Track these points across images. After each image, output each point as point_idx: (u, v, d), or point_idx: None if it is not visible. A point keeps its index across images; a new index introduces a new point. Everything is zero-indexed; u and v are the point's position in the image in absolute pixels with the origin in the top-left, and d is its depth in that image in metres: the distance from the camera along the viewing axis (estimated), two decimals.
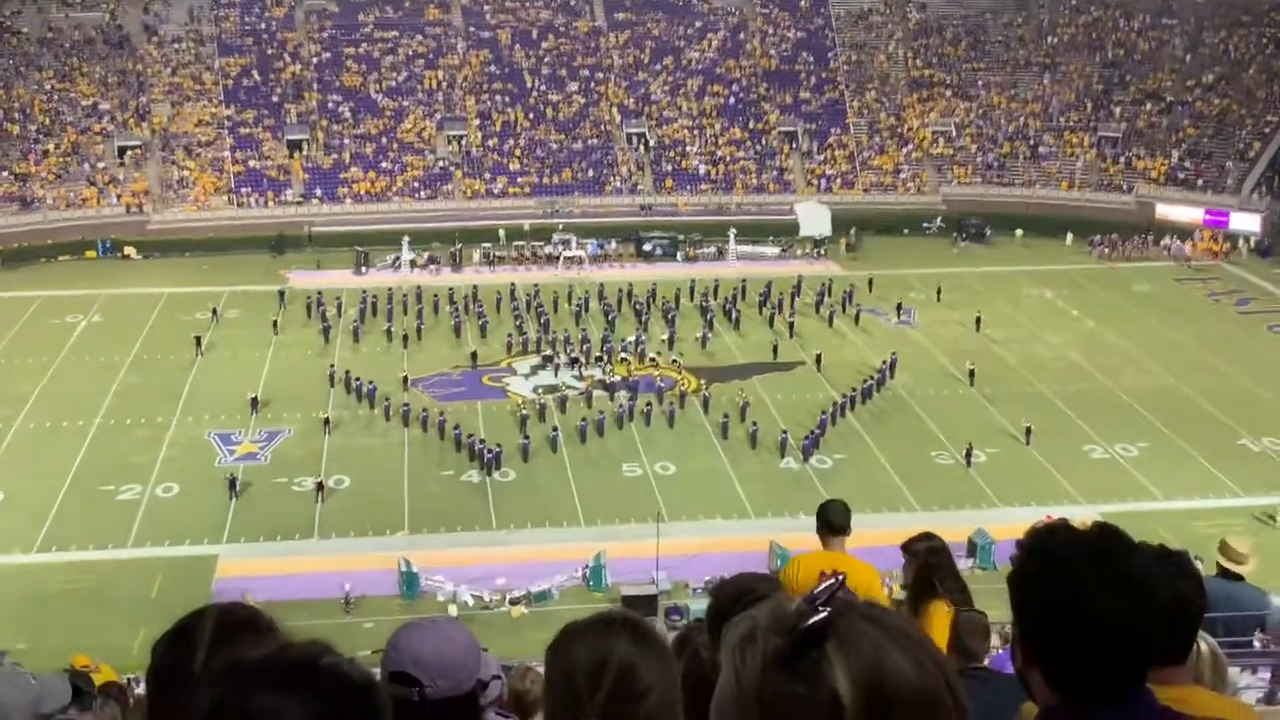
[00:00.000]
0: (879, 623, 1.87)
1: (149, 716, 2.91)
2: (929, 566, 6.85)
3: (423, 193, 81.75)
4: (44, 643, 33.84)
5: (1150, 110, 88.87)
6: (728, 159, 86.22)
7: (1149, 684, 2.74)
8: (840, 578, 1.94)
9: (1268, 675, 8.00)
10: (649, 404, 53.24)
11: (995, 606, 5.75)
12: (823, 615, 1.86)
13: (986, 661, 6.64)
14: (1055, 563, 2.64)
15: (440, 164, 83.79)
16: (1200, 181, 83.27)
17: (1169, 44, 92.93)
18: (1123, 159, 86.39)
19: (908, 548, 7.12)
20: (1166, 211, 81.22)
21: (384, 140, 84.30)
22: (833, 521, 8.20)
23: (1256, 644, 8.56)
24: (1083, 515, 43.45)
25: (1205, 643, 4.31)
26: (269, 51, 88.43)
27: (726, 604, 3.33)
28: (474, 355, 58.68)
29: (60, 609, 37.70)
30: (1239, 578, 8.18)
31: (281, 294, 66.62)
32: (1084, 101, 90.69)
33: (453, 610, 37.79)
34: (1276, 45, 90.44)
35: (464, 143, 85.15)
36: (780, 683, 1.83)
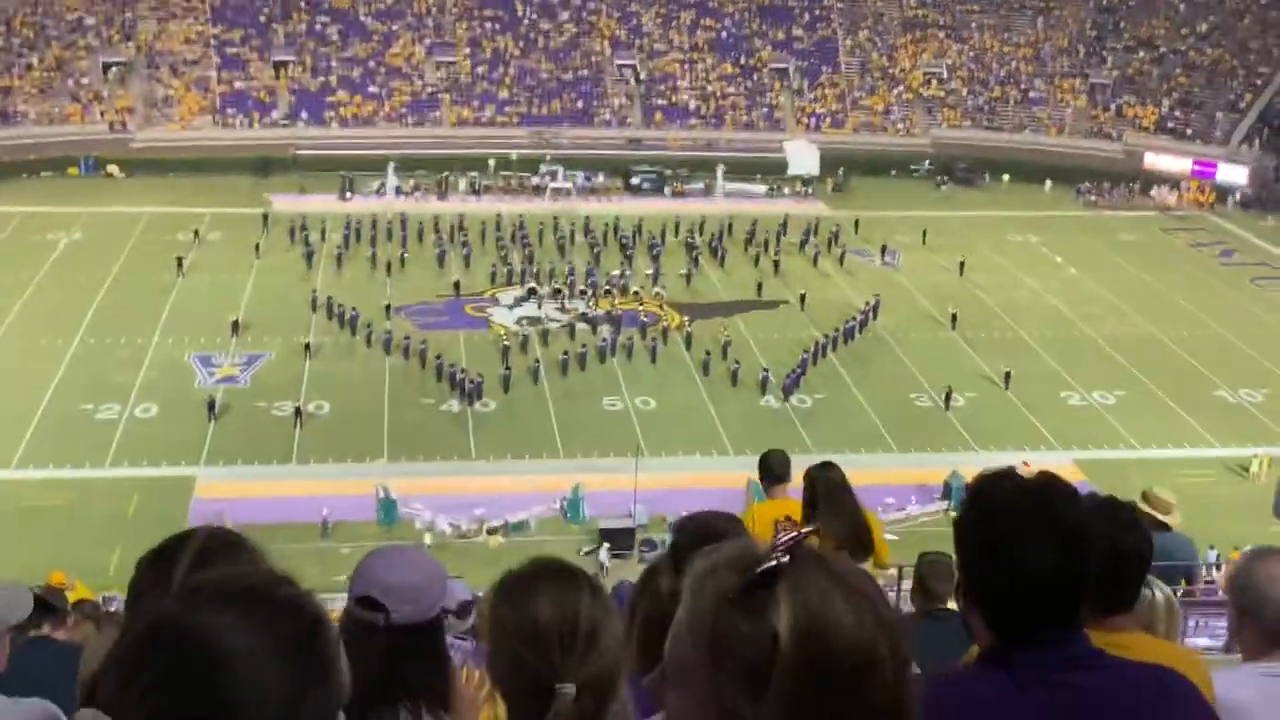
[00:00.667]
0: (833, 575, 1.93)
1: (124, 630, 2.94)
2: (814, 493, 6.80)
3: (410, 119, 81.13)
4: (20, 558, 33.94)
5: (1143, 58, 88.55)
6: (718, 94, 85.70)
7: (1096, 629, 2.80)
8: (807, 531, 2.00)
9: (1223, 624, 8.12)
10: (631, 339, 53.28)
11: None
12: (780, 560, 1.92)
13: (950, 603, 6.73)
14: (995, 509, 2.75)
15: (429, 90, 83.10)
16: (1189, 131, 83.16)
17: None
18: (1113, 106, 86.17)
19: (808, 472, 7.14)
20: (1154, 161, 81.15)
21: (372, 64, 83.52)
22: (773, 470, 8.37)
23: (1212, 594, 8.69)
24: (1059, 461, 43.97)
25: (1159, 591, 4.38)
26: None
27: (688, 543, 3.37)
28: (457, 284, 58.57)
29: (37, 526, 37.76)
30: (1166, 527, 8.25)
31: (265, 217, 66.23)
32: (1076, 47, 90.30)
33: (428, 539, 37.98)
34: None
35: (453, 69, 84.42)
36: (730, 616, 1.89)
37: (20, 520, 38.24)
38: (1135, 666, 2.86)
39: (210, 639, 1.87)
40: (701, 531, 3.42)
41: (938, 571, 6.55)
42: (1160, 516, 8.27)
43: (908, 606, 7.70)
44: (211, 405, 45.58)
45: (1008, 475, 2.82)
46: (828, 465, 7.05)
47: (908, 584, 8.94)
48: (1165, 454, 45.42)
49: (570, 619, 2.75)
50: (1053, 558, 2.66)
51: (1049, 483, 2.82)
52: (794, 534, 1.97)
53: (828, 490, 6.79)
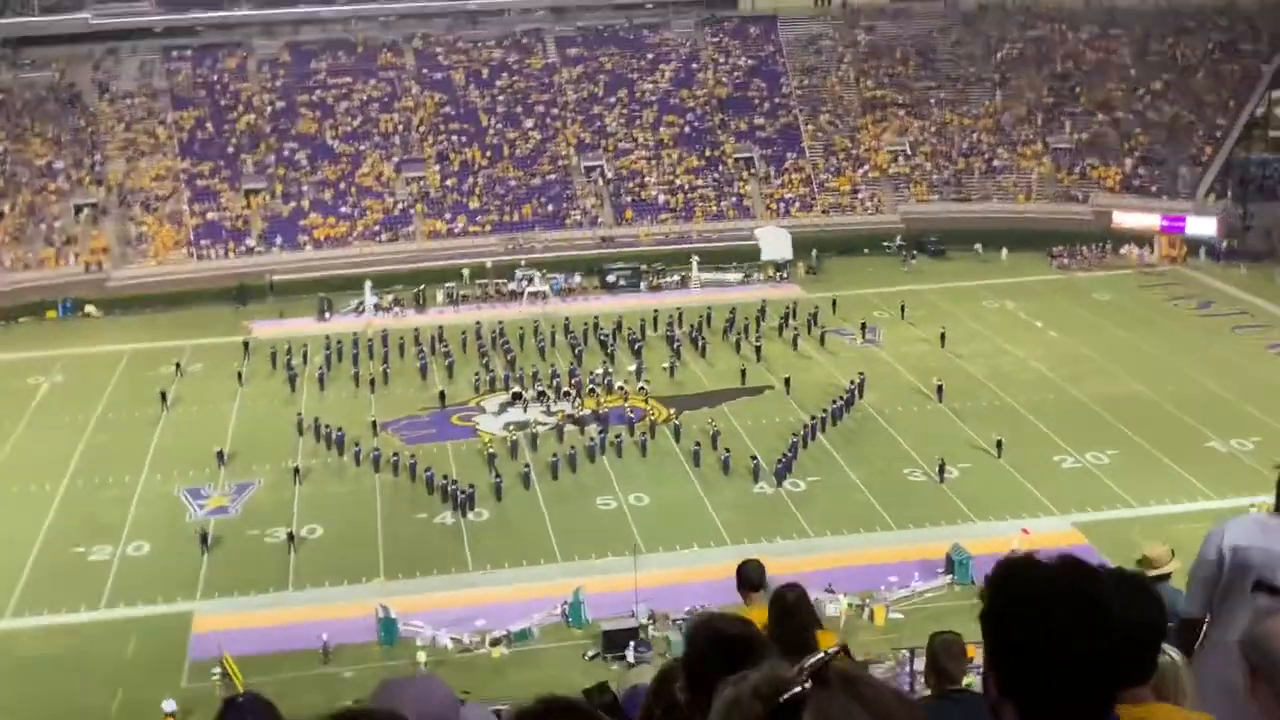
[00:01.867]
0: (860, 697, 1.94)
1: None
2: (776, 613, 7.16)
3: (384, 235, 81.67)
4: (22, 710, 33.49)
5: (1101, 120, 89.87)
6: (686, 187, 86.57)
7: (1119, 705, 2.79)
8: (836, 650, 2.02)
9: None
10: (619, 435, 53.23)
11: (973, 623, 5.80)
12: (803, 687, 1.93)
13: (966, 682, 6.69)
14: (1025, 599, 2.71)
15: (400, 206, 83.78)
16: (1155, 188, 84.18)
17: (1116, 53, 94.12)
18: (1077, 169, 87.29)
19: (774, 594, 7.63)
20: (1122, 219, 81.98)
21: (342, 185, 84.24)
22: (750, 579, 8.95)
23: None
24: (1058, 526, 43.85)
25: (1169, 655, 4.37)
26: (223, 103, 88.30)
27: (701, 649, 3.35)
28: (442, 395, 58.59)
29: (36, 674, 37.25)
30: (1166, 578, 8.21)
31: (245, 345, 66.32)
32: (1035, 114, 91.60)
33: (421, 657, 37.46)
34: (1222, 49, 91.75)
35: (423, 184, 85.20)
36: None
37: (20, 671, 37.72)
38: None
39: None
40: (713, 638, 3.40)
41: (951, 651, 6.52)
42: (1159, 571, 8.25)
43: (921, 687, 7.67)
44: (204, 538, 45.25)
45: (1030, 563, 2.79)
46: (790, 586, 7.45)
47: (920, 663, 8.92)
48: (1163, 510, 45.32)
49: None
50: (1091, 643, 2.65)
51: (1073, 566, 2.80)
52: (819, 657, 1.97)
53: (785, 610, 7.12)
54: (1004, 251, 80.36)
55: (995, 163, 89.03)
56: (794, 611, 7.08)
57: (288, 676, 35.26)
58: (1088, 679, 2.67)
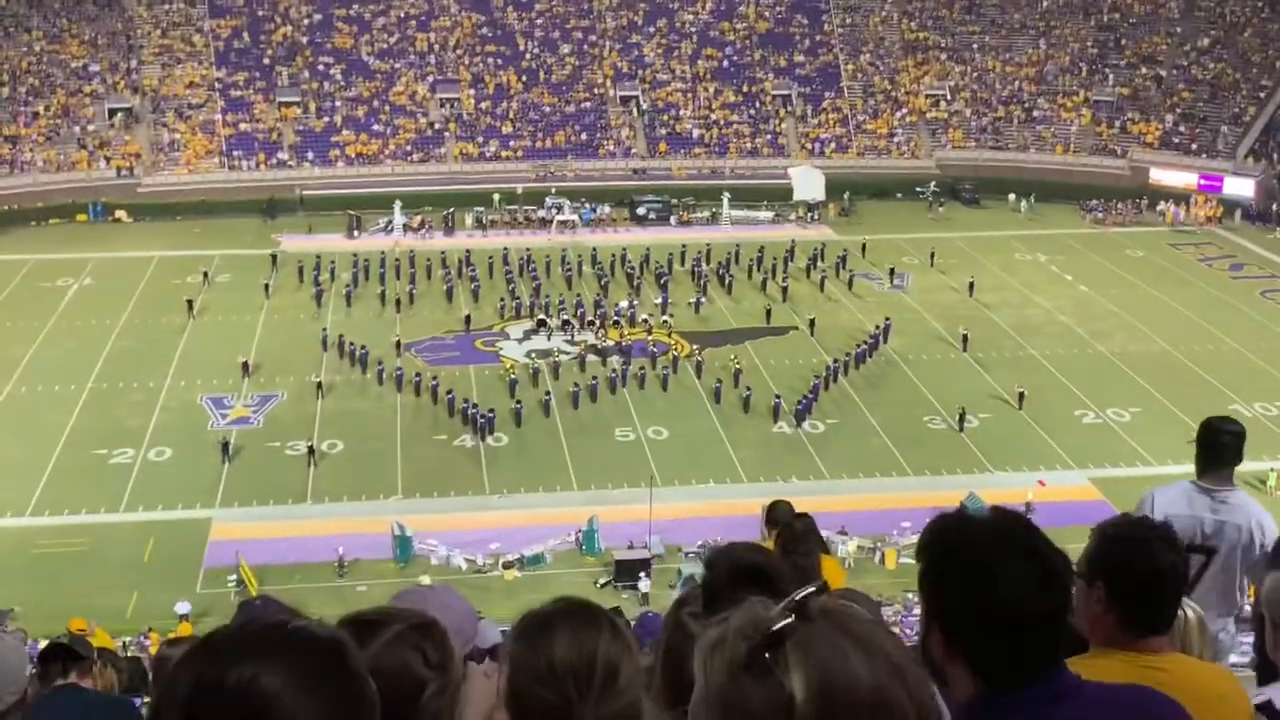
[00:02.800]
0: (845, 629, 1.94)
1: (158, 698, 2.96)
2: (790, 539, 7.21)
3: (415, 156, 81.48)
4: (39, 605, 33.98)
5: (1145, 74, 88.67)
6: (721, 122, 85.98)
7: (1134, 651, 2.80)
8: (821, 584, 2.02)
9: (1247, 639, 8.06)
10: (642, 369, 53.31)
11: None
12: (786, 620, 1.93)
13: None
14: (966, 553, 2.67)
15: (433, 127, 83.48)
16: (1194, 146, 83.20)
17: (1164, 7, 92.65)
18: (1117, 123, 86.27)
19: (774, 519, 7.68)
20: (1160, 176, 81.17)
21: (376, 103, 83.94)
22: (777, 519, 8.67)
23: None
24: (1075, 480, 43.88)
25: (1191, 610, 4.38)
26: (260, 13, 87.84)
27: (720, 578, 3.36)
28: (467, 319, 58.69)
29: (54, 572, 37.80)
30: None
31: (273, 258, 66.52)
32: (1079, 65, 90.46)
33: (425, 579, 37.90)
34: (1272, 8, 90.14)
35: (457, 105, 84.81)
36: (743, 685, 1.91)
37: (38, 566, 38.29)
38: (1116, 690, 2.85)
39: (247, 693, 1.95)
40: (733, 566, 3.42)
41: None
42: None
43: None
44: (225, 447, 45.64)
45: (965, 518, 2.76)
46: (800, 516, 7.51)
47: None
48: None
49: (588, 658, 2.72)
50: (1036, 594, 2.61)
51: (1010, 518, 2.76)
52: (802, 591, 1.99)
53: (794, 537, 7.13)
54: (1023, 202, 79.49)
55: (1035, 112, 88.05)
56: (802, 539, 7.15)
57: (303, 587, 35.66)
58: (1038, 632, 2.64)
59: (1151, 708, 2.78)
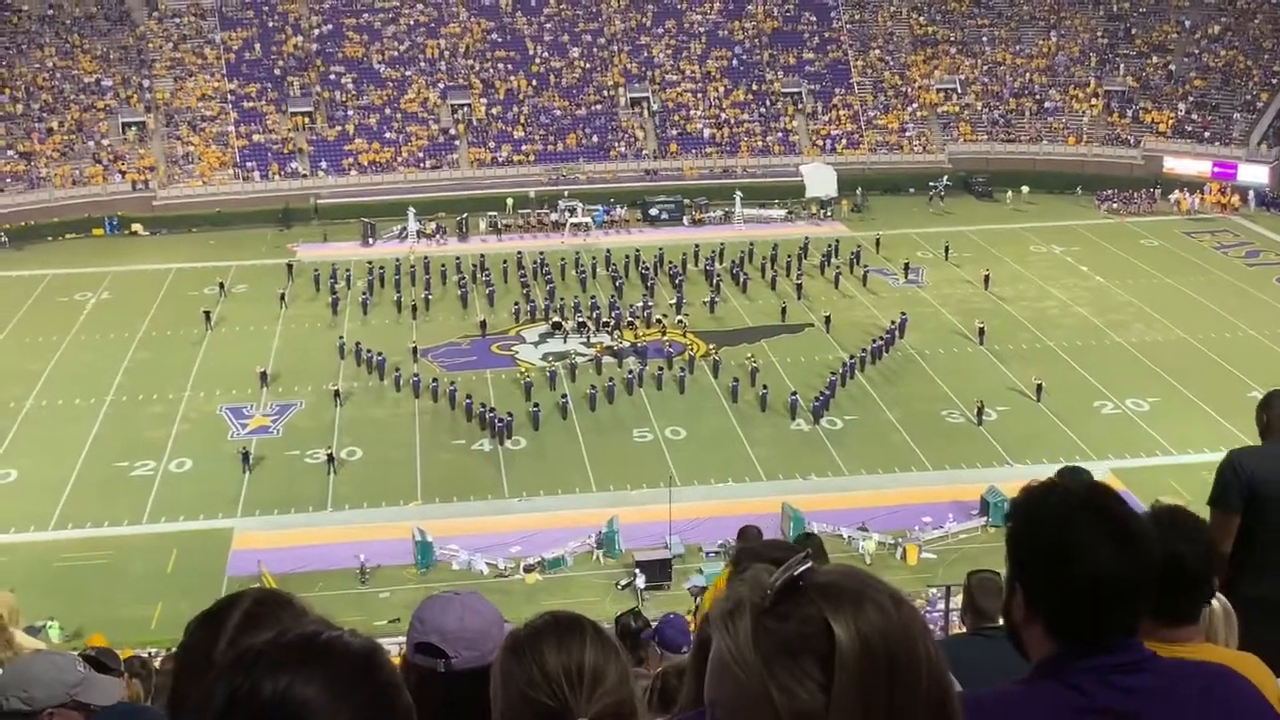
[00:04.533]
0: (852, 574, 2.00)
1: (173, 693, 2.98)
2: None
3: (428, 162, 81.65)
4: (64, 619, 34.16)
5: (1156, 63, 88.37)
6: (732, 121, 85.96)
7: (1161, 642, 2.79)
8: (809, 551, 2.09)
9: None
10: (659, 369, 53.31)
11: (1003, 566, 5.90)
12: (804, 563, 1.98)
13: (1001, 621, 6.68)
14: (1049, 514, 2.80)
15: (445, 133, 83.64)
16: (1207, 134, 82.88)
17: None
18: (1129, 113, 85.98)
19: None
20: (1173, 164, 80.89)
21: (388, 111, 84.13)
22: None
23: None
24: (1095, 471, 43.82)
25: (1216, 600, 4.35)
26: (270, 24, 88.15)
27: (755, 548, 3.40)
28: (483, 324, 58.76)
29: (77, 585, 37.97)
30: None
31: (289, 267, 66.72)
32: (1089, 56, 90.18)
33: (436, 585, 37.97)
34: None
35: (468, 111, 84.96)
36: (772, 630, 1.92)
37: (61, 580, 38.43)
38: (1191, 665, 2.89)
39: (283, 703, 1.96)
40: (768, 542, 3.45)
41: (986, 588, 6.51)
42: None
43: (952, 625, 7.68)
44: (245, 456, 45.78)
45: (1055, 484, 2.88)
46: (808, 535, 7.60)
47: (955, 602, 8.94)
48: (1202, 458, 44.89)
49: (575, 663, 2.82)
50: (1114, 557, 2.71)
51: (1098, 486, 2.88)
52: (801, 554, 2.03)
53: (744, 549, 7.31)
54: (1024, 189, 79.57)
55: (1046, 104, 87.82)
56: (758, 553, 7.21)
57: (326, 594, 35.80)
58: (1114, 596, 2.72)
59: (1226, 682, 2.82)
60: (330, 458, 45.79)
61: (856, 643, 1.88)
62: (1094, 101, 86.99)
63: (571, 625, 2.94)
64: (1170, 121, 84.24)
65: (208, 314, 60.00)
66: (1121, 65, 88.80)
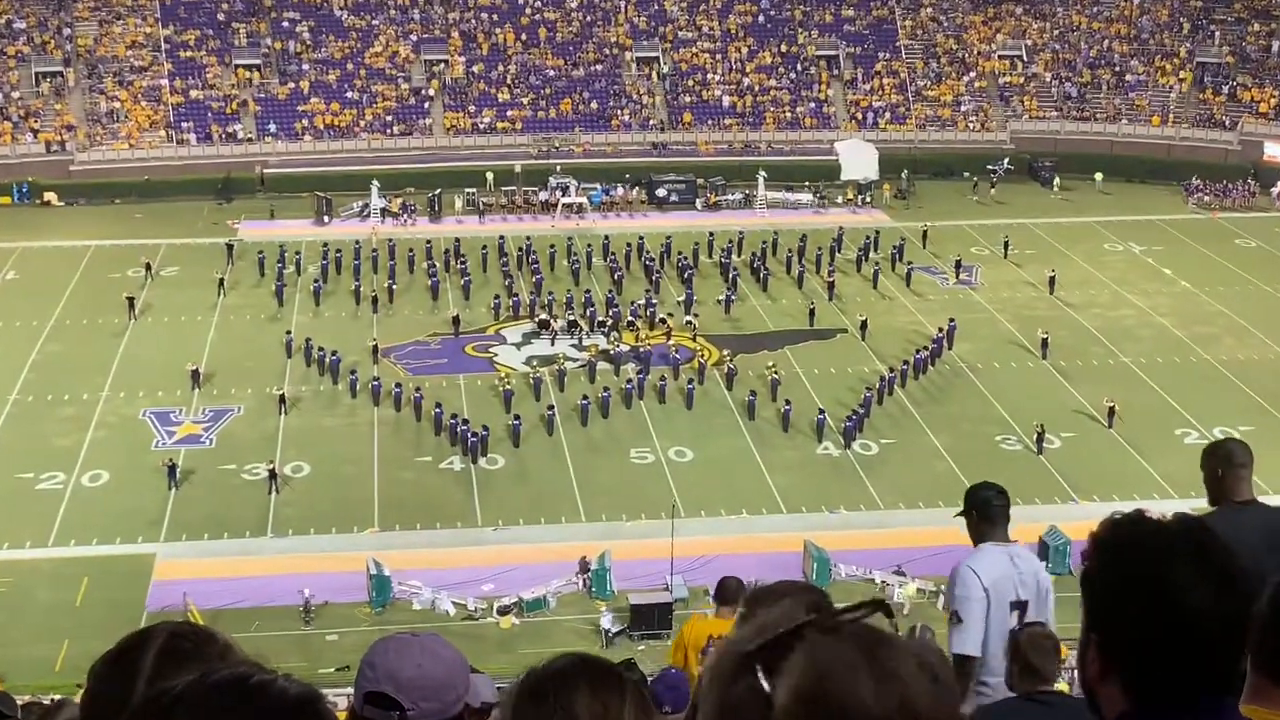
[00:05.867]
0: (871, 650, 2.02)
1: None
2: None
3: (396, 128, 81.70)
4: None
5: (1258, 31, 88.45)
6: (756, 89, 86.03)
7: (1261, 708, 2.76)
8: (878, 603, 2.11)
9: None
10: (662, 378, 53.28)
11: (1066, 618, 5.92)
12: (796, 624, 2.05)
13: (1062, 685, 6.70)
14: (1138, 548, 2.75)
15: (417, 94, 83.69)
16: None
17: None
18: (1225, 89, 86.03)
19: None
20: (1276, 152, 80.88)
21: (350, 66, 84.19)
22: (727, 595, 10.20)
23: None
24: (1173, 510, 43.67)
25: None
26: None
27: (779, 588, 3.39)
28: (456, 320, 58.76)
29: None
30: None
31: (229, 247, 66.67)
32: (1180, 21, 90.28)
33: (393, 627, 37.96)
34: None
35: (444, 68, 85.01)
36: (741, 678, 2.04)
37: None
38: None
39: None
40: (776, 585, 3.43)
41: (1041, 646, 6.51)
42: None
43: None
44: (172, 470, 45.68)
45: (1145, 516, 2.83)
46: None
47: None
48: None
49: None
50: (1215, 599, 2.66)
51: (1194, 520, 2.85)
52: (857, 606, 2.08)
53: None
54: (1098, 177, 79.71)
55: (1128, 77, 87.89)
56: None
57: (262, 635, 35.69)
58: (1210, 645, 2.66)
59: None
60: (272, 474, 45.73)
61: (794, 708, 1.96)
62: (1183, 75, 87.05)
63: (609, 674, 2.86)
64: (1274, 101, 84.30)
65: (131, 300, 59.96)
66: (1217, 33, 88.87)
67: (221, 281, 62.85)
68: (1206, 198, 78.60)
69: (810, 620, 2.03)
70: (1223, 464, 7.35)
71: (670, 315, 59.37)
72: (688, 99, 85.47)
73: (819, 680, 1.97)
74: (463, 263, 65.19)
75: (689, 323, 58.83)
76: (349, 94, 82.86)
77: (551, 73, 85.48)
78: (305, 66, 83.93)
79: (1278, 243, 72.45)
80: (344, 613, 38.89)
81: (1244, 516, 7.01)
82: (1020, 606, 7.58)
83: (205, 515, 43.92)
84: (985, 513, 7.88)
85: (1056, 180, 79.75)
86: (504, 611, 39.15)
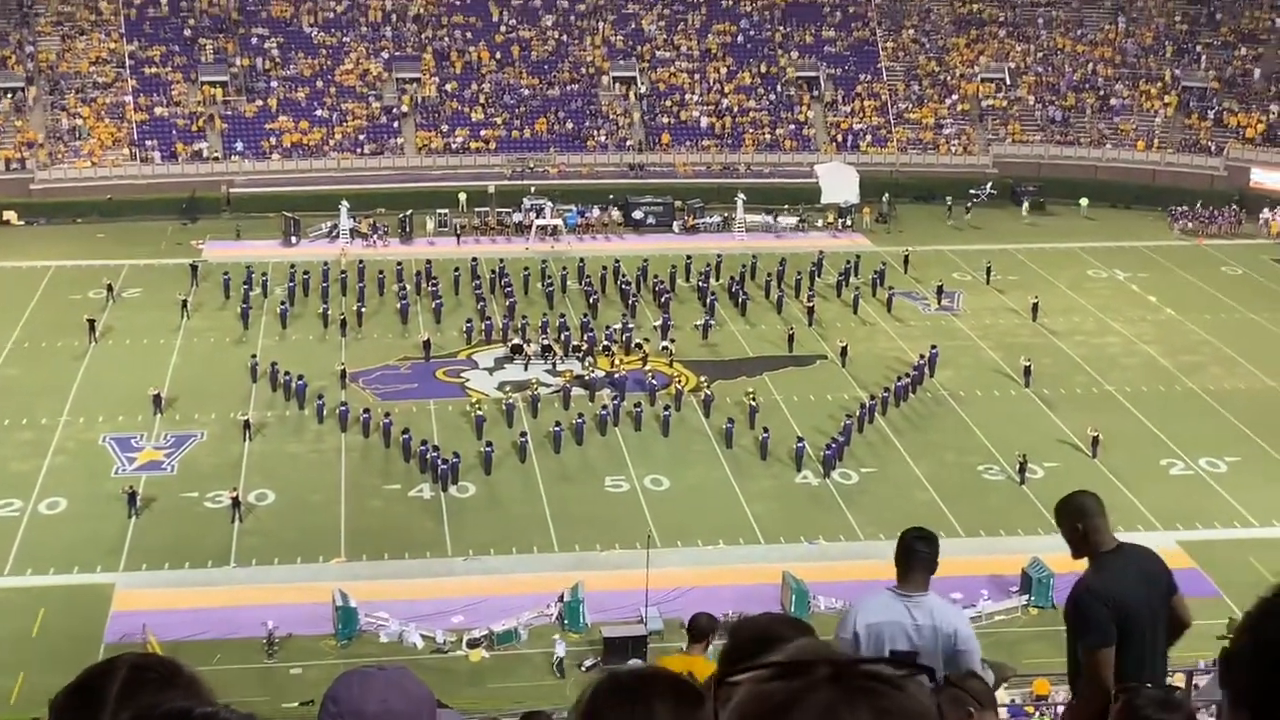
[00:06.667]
0: (876, 701, 2.01)
1: None
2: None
3: (366, 147, 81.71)
4: None
5: (1244, 55, 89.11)
6: (735, 110, 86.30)
7: None
8: (915, 658, 2.05)
9: None
10: (638, 405, 53.32)
11: (1048, 653, 5.90)
12: (803, 676, 2.04)
13: None
14: None
15: (388, 113, 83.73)
16: None
17: None
18: (1211, 114, 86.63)
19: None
20: (1262, 178, 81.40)
21: (319, 84, 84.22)
22: (700, 630, 10.54)
23: None
24: (1159, 543, 43.64)
25: None
26: None
27: (745, 645, 3.33)
28: (426, 344, 58.69)
29: None
30: None
31: (193, 268, 66.56)
32: (1164, 44, 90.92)
33: (359, 660, 37.81)
34: None
35: (416, 87, 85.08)
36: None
37: None
38: None
39: None
40: (762, 636, 3.38)
41: (958, 702, 6.48)
42: None
43: None
44: (132, 498, 45.47)
45: None
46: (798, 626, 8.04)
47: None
48: None
49: None
50: None
51: None
52: (903, 658, 2.04)
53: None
54: (1082, 202, 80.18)
55: (1112, 101, 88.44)
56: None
57: (224, 669, 35.53)
58: None
59: None
60: (235, 502, 45.55)
61: None
62: (1168, 99, 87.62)
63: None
64: (1260, 126, 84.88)
65: (92, 323, 59.76)
66: (1203, 57, 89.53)
67: (185, 303, 62.68)
68: (1190, 224, 79.04)
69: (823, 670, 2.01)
70: (1079, 518, 7.69)
71: (646, 340, 59.42)
72: (665, 120, 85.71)
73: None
74: (434, 285, 65.16)
75: (665, 348, 58.88)
76: (318, 112, 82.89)
77: (526, 92, 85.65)
78: (273, 84, 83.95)
79: (1264, 270, 72.88)
80: (309, 645, 38.70)
81: (1119, 562, 7.37)
82: (908, 657, 7.37)
83: (166, 544, 43.71)
84: (905, 558, 7.68)
85: (1025, 204, 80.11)
86: (474, 644, 39.02)
